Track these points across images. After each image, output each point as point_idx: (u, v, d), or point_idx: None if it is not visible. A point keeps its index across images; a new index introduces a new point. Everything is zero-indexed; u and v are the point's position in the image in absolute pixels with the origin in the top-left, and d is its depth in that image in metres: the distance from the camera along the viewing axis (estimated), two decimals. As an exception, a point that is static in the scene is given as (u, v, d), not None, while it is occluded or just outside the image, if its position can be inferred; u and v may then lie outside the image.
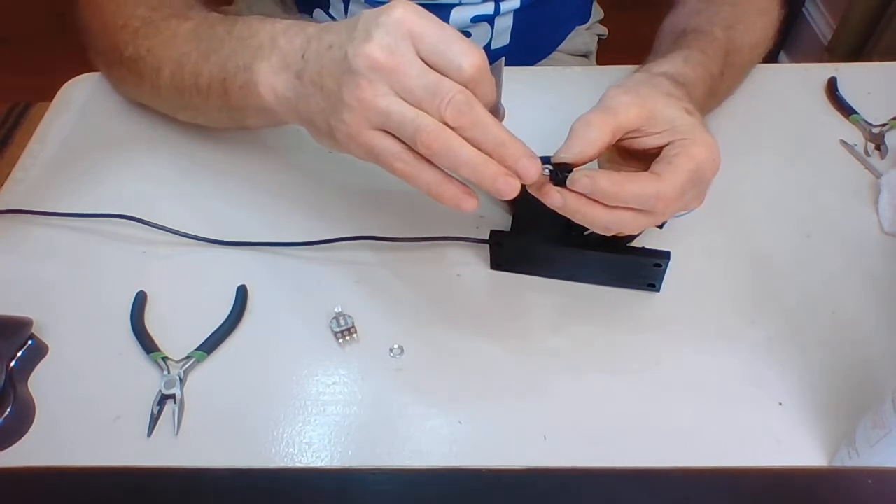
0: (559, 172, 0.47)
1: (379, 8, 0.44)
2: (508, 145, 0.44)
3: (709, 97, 0.59)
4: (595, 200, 0.47)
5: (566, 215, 0.49)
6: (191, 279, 0.60)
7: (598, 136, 0.47)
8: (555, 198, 0.48)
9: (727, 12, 0.65)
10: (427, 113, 0.43)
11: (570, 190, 0.47)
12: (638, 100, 0.49)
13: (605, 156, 0.51)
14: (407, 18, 0.43)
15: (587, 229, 0.56)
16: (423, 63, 0.43)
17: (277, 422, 0.52)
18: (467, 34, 0.81)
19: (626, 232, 0.50)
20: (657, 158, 0.49)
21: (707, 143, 0.48)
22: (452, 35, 0.44)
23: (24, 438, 0.51)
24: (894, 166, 0.66)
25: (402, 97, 0.44)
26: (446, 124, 0.43)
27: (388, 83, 0.44)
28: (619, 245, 0.56)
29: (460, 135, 0.43)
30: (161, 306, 0.58)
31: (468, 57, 0.43)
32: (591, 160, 0.48)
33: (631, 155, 0.52)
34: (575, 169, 0.47)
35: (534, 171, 0.44)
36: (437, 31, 0.43)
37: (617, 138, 0.49)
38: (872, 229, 0.62)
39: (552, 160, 0.48)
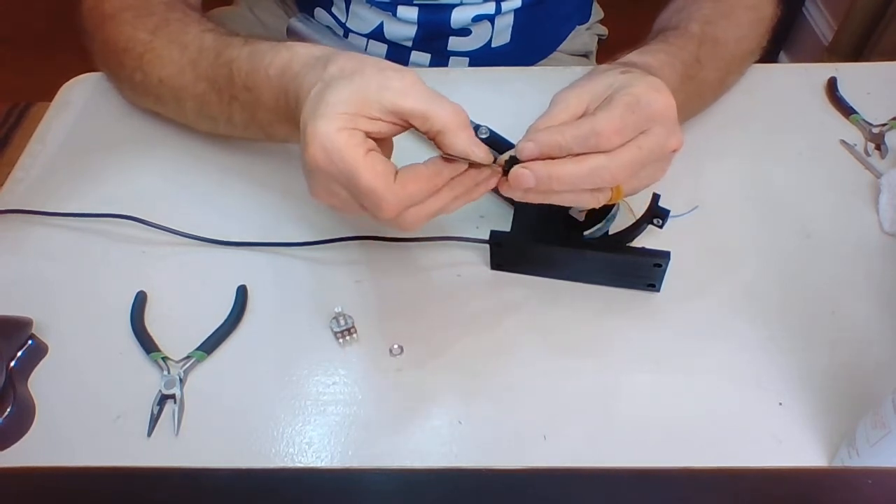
0: (512, 165, 0.48)
1: (305, 125, 0.46)
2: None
3: (686, 81, 0.59)
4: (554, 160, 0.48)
5: (546, 195, 0.49)
6: (191, 279, 0.60)
7: None
8: (526, 178, 0.47)
9: (709, 9, 0.65)
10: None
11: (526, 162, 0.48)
12: (574, 90, 0.51)
13: None
14: (315, 158, 0.46)
15: (587, 229, 0.56)
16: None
17: (277, 422, 0.52)
18: (468, 32, 0.81)
19: (612, 185, 0.49)
20: None
21: (648, 82, 0.49)
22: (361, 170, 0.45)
23: (24, 438, 0.51)
24: (894, 166, 0.66)
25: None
26: None
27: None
28: (619, 245, 0.56)
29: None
30: (161, 306, 0.58)
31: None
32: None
33: None
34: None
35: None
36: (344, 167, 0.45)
37: None
38: (872, 229, 0.62)
39: (497, 162, 0.49)
